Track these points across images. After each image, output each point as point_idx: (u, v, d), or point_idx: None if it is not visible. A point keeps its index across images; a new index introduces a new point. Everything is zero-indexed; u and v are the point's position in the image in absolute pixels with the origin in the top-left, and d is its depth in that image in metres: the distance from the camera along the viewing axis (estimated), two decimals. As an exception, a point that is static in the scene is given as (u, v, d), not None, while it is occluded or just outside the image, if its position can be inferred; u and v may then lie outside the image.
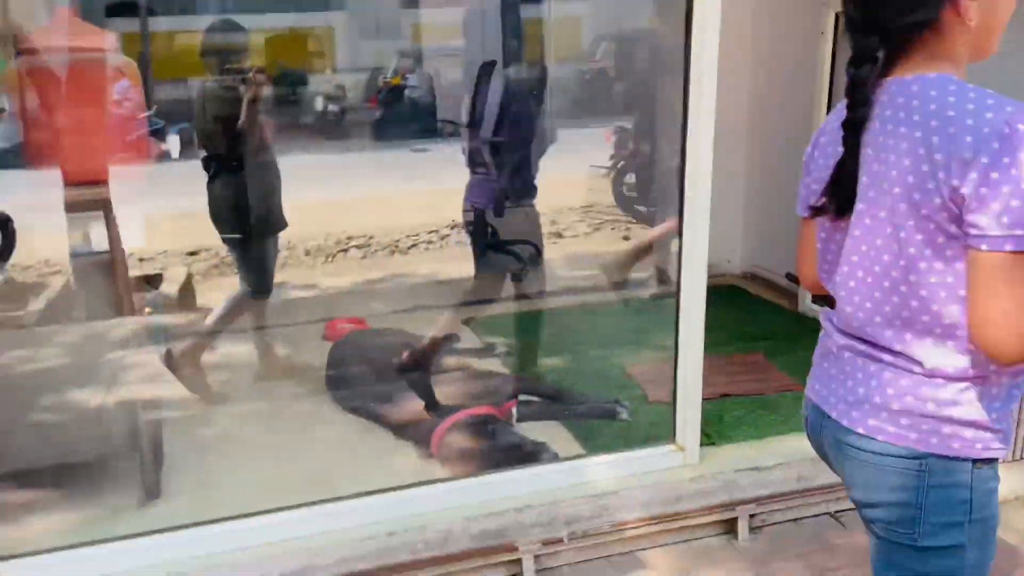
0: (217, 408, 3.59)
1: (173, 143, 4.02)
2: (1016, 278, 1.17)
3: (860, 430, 1.38)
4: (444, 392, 3.22)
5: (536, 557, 2.61)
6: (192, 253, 7.98)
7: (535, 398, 3.26)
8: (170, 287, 6.64)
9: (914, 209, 1.24)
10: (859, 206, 1.35)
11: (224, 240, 3.92)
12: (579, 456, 2.89)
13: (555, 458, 2.85)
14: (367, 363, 3.46)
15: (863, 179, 1.34)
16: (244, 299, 3.86)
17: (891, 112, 1.29)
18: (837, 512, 2.93)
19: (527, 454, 2.84)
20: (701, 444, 2.98)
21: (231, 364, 4.27)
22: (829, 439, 1.48)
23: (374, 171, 10.31)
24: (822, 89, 4.11)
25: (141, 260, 7.77)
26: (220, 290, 7.14)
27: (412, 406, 3.12)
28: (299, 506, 2.55)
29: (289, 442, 3.23)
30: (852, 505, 2.95)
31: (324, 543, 2.47)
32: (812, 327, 4.09)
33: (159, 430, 3.03)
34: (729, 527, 2.82)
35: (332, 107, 12.10)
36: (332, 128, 11.84)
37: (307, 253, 7.82)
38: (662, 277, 5.23)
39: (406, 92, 12.57)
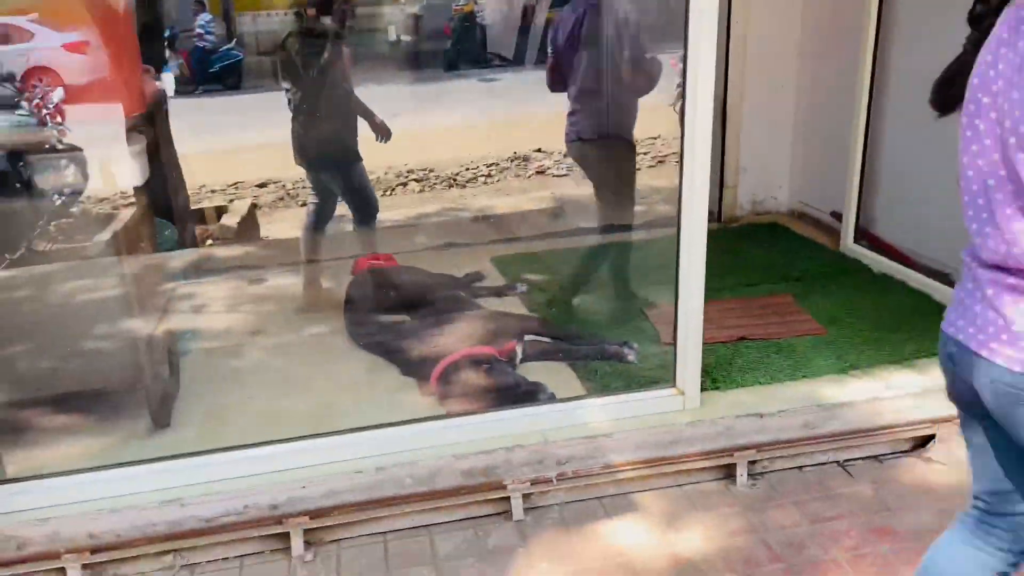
0: (245, 340, 3.70)
1: (168, 81, 4.08)
2: None
3: (1017, 368, 1.36)
4: (452, 331, 3.23)
5: (526, 496, 2.63)
6: (261, 185, 8.19)
7: (543, 338, 3.23)
8: (232, 219, 6.84)
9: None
10: (963, 119, 1.37)
11: (313, 176, 3.96)
12: (576, 397, 2.87)
13: (551, 399, 2.84)
14: (380, 300, 3.49)
15: (969, 93, 1.35)
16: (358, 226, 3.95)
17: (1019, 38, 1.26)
18: (846, 461, 2.83)
19: (523, 394, 2.84)
20: (706, 388, 2.92)
21: (275, 296, 4.40)
22: (981, 378, 1.45)
23: (442, 101, 10.26)
24: (871, 21, 3.83)
25: (213, 192, 8.05)
26: (284, 222, 7.35)
27: (416, 344, 3.15)
28: (293, 439, 2.63)
29: (302, 375, 3.32)
30: (861, 454, 2.90)
31: (314, 475, 2.55)
32: (851, 267, 3.98)
33: (177, 362, 3.15)
34: (728, 472, 2.77)
35: (404, 36, 12.01)
36: (404, 58, 11.77)
37: (367, 187, 7.84)
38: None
39: (478, 20, 12.34)
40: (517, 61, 9.82)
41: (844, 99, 4.11)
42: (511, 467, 2.61)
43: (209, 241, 6.24)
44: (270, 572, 2.46)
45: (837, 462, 2.84)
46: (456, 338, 3.17)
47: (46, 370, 2.79)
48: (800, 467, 2.82)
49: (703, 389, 2.91)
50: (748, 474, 2.76)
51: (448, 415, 2.82)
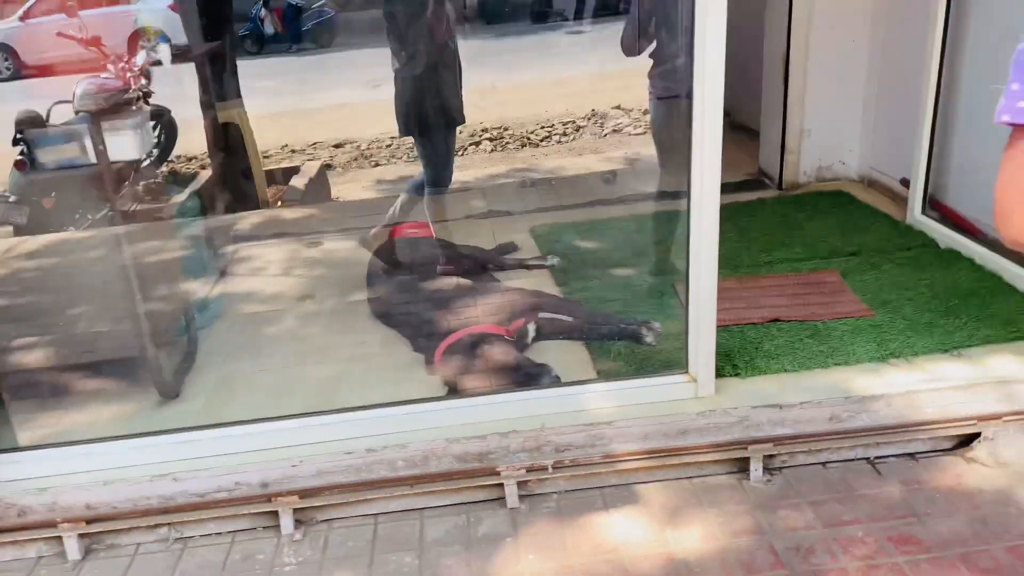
0: (280, 307, 3.69)
1: (164, 52, 4.08)
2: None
3: None
4: (466, 307, 3.13)
5: (523, 483, 2.53)
6: (338, 145, 8.28)
7: (559, 316, 3.09)
8: (300, 181, 6.90)
9: None
10: None
11: (409, 135, 3.91)
12: (578, 382, 2.72)
13: (556, 382, 2.71)
14: (398, 272, 3.42)
15: None
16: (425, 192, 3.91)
17: None
18: (876, 458, 2.60)
19: (526, 376, 2.72)
20: (725, 375, 2.73)
21: (326, 261, 4.40)
22: None
23: (526, 55, 10.06)
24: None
25: (293, 152, 8.20)
26: (356, 182, 7.39)
27: (428, 319, 3.07)
28: (286, 417, 2.61)
29: (321, 347, 3.29)
30: (895, 451, 2.66)
31: (306, 454, 2.52)
32: (915, 241, 3.65)
33: (195, 332, 3.18)
34: (741, 466, 2.58)
35: (492, -13, 11.77)
36: (492, 10, 11.56)
37: (439, 146, 7.78)
38: (761, 180, 4.77)
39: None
40: (577, 16, 9.52)
41: (921, 53, 3.72)
42: (506, 453, 2.51)
43: (279, 203, 6.32)
44: (260, 549, 2.46)
45: (867, 459, 2.60)
46: (468, 315, 3.07)
47: (62, 339, 2.86)
48: (824, 463, 2.60)
49: (722, 375, 2.73)
50: (764, 469, 2.57)
51: (443, 397, 2.73)
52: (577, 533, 2.41)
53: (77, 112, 5.10)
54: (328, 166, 7.56)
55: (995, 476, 2.48)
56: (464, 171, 6.75)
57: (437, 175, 3.87)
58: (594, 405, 2.62)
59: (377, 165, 7.76)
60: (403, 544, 2.42)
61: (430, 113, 3.66)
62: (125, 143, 2.66)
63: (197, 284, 3.77)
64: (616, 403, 2.62)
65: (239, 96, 5.42)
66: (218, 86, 5.14)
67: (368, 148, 8.13)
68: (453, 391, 2.75)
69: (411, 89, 3.61)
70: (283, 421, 2.59)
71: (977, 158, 3.51)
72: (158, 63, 4.12)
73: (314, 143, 8.29)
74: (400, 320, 3.21)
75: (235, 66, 5.42)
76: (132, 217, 5.12)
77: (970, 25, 3.49)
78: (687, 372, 2.65)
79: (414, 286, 3.35)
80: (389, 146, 8.05)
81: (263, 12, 10.20)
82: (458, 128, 3.86)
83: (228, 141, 5.16)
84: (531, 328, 2.98)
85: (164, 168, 6.93)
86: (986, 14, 3.40)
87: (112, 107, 5.27)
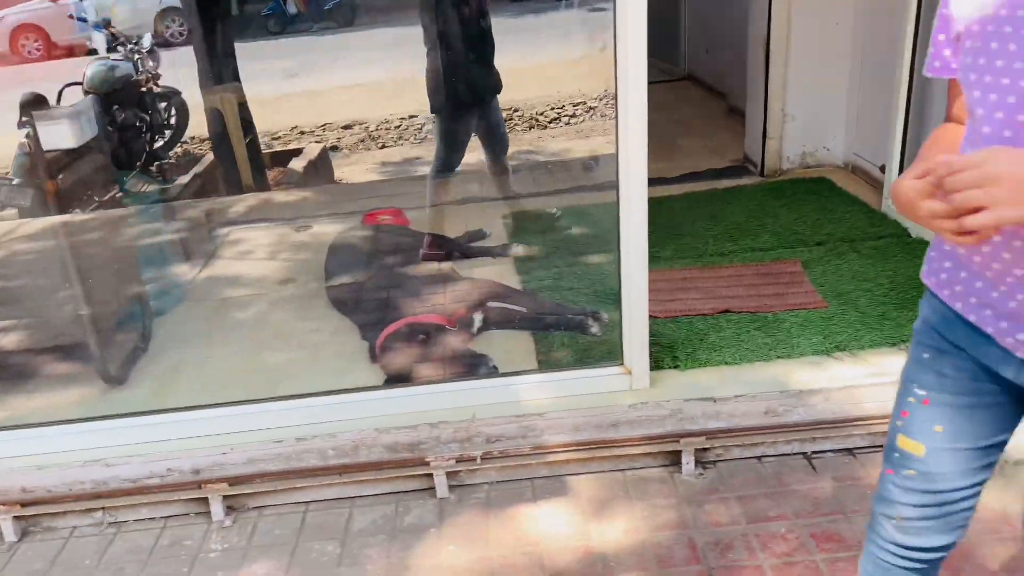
0: (249, 293, 3.70)
1: (99, 40, 4.08)
2: None
3: None
4: (415, 296, 3.13)
5: (454, 473, 2.53)
6: (346, 127, 8.28)
7: (509, 305, 3.07)
8: (300, 163, 6.89)
9: None
10: None
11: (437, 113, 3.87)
12: (512, 373, 2.71)
13: (494, 372, 2.70)
14: (356, 260, 3.42)
15: None
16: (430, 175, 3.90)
17: None
18: (813, 453, 2.55)
19: (464, 366, 2.71)
20: (664, 367, 2.70)
21: (314, 245, 4.40)
22: None
23: (546, 34, 9.96)
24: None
25: (302, 133, 8.23)
26: (361, 164, 7.38)
27: (376, 307, 3.07)
28: (219, 405, 2.63)
29: (277, 333, 3.30)
30: (833, 447, 2.62)
31: (237, 442, 2.54)
32: (886, 231, 3.56)
33: (149, 318, 3.21)
34: (674, 460, 2.55)
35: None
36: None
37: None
38: (745, 166, 4.68)
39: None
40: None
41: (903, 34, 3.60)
42: (437, 444, 2.51)
43: (277, 186, 6.33)
44: (189, 535, 2.49)
45: (803, 454, 2.56)
46: (418, 304, 3.07)
47: (17, 324, 2.90)
48: (760, 457, 2.56)
49: (661, 367, 2.69)
50: (698, 462, 2.53)
51: (376, 387, 2.73)
52: (501, 524, 2.40)
53: (87, 93, 5.18)
54: (334, 148, 7.56)
55: (932, 474, 2.42)
56: (468, 153, 6.70)
57: (448, 157, 3.85)
58: (528, 396, 2.61)
59: (384, 147, 7.74)
60: (329, 533, 2.44)
61: (459, 93, 3.64)
62: (60, 132, 2.67)
63: (161, 270, 3.81)
64: (550, 394, 2.61)
65: (236, 80, 5.43)
66: (205, 71, 5.15)
67: (376, 130, 8.12)
68: (391, 380, 2.75)
69: (442, 67, 3.57)
70: (216, 409, 2.61)
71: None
72: (93, 51, 4.14)
73: (323, 124, 8.31)
74: (352, 308, 3.21)
75: (230, 50, 5.44)
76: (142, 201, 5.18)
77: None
78: (622, 364, 2.61)
79: (370, 273, 3.35)
80: (398, 127, 8.04)
81: (283, -10, 10.19)
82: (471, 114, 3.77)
83: (212, 126, 5.20)
84: (477, 318, 2.96)
85: (178, 149, 6.99)
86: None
87: (124, 88, 5.33)
